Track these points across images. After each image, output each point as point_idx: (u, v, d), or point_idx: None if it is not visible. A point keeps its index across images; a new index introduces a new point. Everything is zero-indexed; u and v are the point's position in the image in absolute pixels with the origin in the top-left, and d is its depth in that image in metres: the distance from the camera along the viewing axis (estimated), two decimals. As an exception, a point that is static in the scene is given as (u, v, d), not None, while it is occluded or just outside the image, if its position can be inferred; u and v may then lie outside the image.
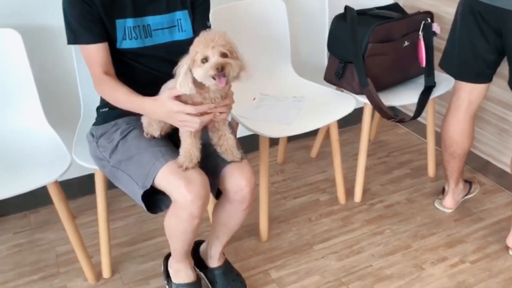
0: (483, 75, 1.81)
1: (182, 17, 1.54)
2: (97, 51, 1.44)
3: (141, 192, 1.38)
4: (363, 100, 1.99)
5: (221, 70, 1.21)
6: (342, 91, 2.10)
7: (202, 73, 1.22)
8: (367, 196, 2.22)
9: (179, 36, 1.55)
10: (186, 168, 1.33)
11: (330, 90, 2.08)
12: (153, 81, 1.48)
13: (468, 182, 2.18)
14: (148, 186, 1.37)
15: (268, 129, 1.78)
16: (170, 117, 1.32)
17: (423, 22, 2.01)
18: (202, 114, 1.29)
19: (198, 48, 1.23)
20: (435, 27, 2.04)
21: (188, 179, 1.32)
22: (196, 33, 1.58)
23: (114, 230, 2.03)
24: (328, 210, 2.15)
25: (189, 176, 1.33)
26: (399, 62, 2.02)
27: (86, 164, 1.59)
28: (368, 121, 2.06)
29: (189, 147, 1.33)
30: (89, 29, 1.40)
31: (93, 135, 1.57)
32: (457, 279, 1.79)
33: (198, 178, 1.34)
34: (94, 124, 1.59)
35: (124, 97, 1.40)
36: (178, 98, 1.29)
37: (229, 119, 1.45)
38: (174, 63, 1.54)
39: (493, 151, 2.30)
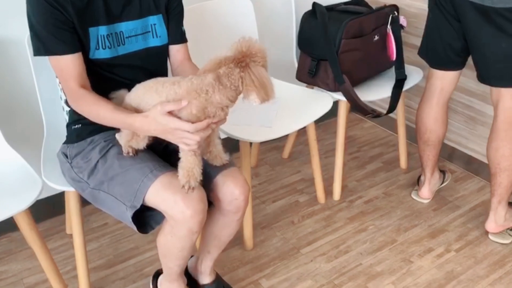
0: (452, 62, 1.84)
1: (156, 22, 1.44)
2: (72, 63, 1.30)
3: (130, 213, 1.28)
4: (338, 97, 1.97)
5: None
6: (313, 88, 2.07)
7: (259, 98, 1.20)
8: (345, 193, 2.21)
9: (153, 42, 1.44)
10: (191, 188, 1.23)
11: (304, 89, 2.04)
12: None
13: (442, 172, 2.22)
14: (138, 206, 1.27)
15: (250, 134, 1.71)
16: (166, 134, 1.21)
17: (390, 15, 2.01)
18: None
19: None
20: (402, 20, 2.05)
21: (184, 193, 1.23)
22: (171, 38, 1.49)
23: (88, 253, 1.88)
24: (310, 211, 2.11)
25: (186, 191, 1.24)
26: (370, 57, 2.01)
27: (59, 186, 1.46)
28: (343, 118, 2.04)
29: (192, 166, 1.23)
30: (62, 39, 1.26)
31: (66, 155, 1.43)
32: (446, 269, 1.80)
33: (195, 191, 1.25)
34: (66, 143, 1.46)
35: (108, 114, 1.27)
36: (171, 113, 1.19)
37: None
38: (150, 72, 1.44)
39: (460, 139, 2.35)
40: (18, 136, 1.73)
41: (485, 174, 2.27)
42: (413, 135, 2.14)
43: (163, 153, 1.40)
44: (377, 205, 2.14)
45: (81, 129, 1.43)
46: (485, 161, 2.26)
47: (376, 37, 2.00)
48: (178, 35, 1.49)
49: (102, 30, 1.34)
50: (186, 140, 1.19)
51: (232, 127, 1.74)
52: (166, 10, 1.45)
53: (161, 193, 1.24)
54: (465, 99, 2.26)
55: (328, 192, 2.19)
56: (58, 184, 1.46)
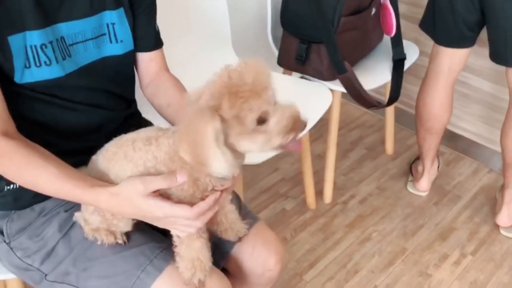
0: (464, 39, 1.55)
1: (115, 19, 0.96)
2: None
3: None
4: (334, 87, 1.61)
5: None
6: (291, 74, 1.68)
7: (264, 145, 0.71)
8: (335, 193, 1.90)
9: (111, 49, 0.97)
10: (201, 283, 0.83)
11: (290, 79, 1.65)
12: (87, 125, 0.92)
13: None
14: (135, 310, 0.85)
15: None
16: (149, 220, 0.81)
17: (387, -18, 1.65)
18: None
19: (237, 99, 0.69)
20: (398, -13, 1.70)
21: (205, 291, 0.83)
22: (140, 42, 1.01)
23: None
24: (301, 221, 1.79)
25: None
26: (367, 35, 1.66)
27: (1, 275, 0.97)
28: (338, 111, 1.70)
29: (196, 253, 0.82)
30: None
31: (1, 231, 0.94)
32: (468, 279, 1.59)
33: (219, 286, 0.85)
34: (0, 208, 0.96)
35: (51, 184, 0.81)
36: (156, 192, 0.77)
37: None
38: (114, 94, 0.98)
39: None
40: None
41: (476, 154, 2.08)
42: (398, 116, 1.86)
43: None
44: (374, 205, 1.87)
45: (19, 190, 0.94)
46: (478, 140, 2.07)
47: (374, 11, 1.64)
48: (150, 37, 1.03)
49: (33, 37, 0.85)
50: (183, 228, 0.79)
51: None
52: (129, 1, 0.97)
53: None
54: (461, 75, 2.00)
55: (316, 193, 1.87)
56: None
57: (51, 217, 0.91)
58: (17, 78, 0.86)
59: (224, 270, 1.00)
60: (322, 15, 1.49)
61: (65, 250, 0.89)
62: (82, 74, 0.94)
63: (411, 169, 1.98)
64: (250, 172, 1.99)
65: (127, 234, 0.88)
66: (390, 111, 2.01)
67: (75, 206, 0.89)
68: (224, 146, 0.71)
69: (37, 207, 0.92)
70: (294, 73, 1.73)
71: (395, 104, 1.90)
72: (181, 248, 0.82)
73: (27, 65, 0.86)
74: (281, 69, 1.70)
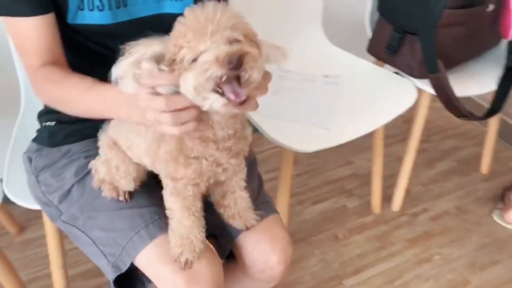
0: None
1: None
2: (37, 30, 0.84)
3: (112, 274, 0.85)
4: (422, 86, 1.43)
5: (235, 68, 0.61)
6: (383, 66, 1.52)
7: (198, 79, 0.62)
8: (407, 201, 1.73)
9: (171, 7, 0.94)
10: (188, 263, 0.79)
11: (376, 69, 1.50)
12: None
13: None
14: (123, 269, 0.84)
15: (298, 138, 1.22)
16: (137, 116, 0.73)
17: (516, -25, 1.40)
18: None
19: (184, 37, 0.64)
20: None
21: (190, 274, 0.79)
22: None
23: (70, 253, 1.50)
24: (360, 223, 1.66)
25: (192, 267, 0.80)
26: (476, 34, 1.43)
27: (25, 203, 1.02)
28: (424, 114, 1.52)
29: (188, 231, 0.78)
30: None
31: (30, 161, 0.98)
32: (535, 337, 1.36)
33: (206, 270, 0.80)
34: (35, 140, 1.01)
35: (79, 96, 0.81)
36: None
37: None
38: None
39: None
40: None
41: None
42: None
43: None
44: (447, 225, 1.67)
45: (55, 128, 0.97)
46: None
47: (491, 7, 1.41)
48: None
49: None
50: (154, 120, 0.67)
51: (269, 123, 1.25)
52: None
53: (156, 265, 0.81)
54: None
55: (385, 197, 1.71)
56: (23, 199, 1.02)
57: (72, 160, 0.93)
58: (70, 18, 0.88)
59: (232, 256, 0.95)
60: (423, 3, 1.32)
61: (78, 194, 0.90)
62: (133, 26, 0.92)
63: (503, 196, 1.72)
64: (320, 159, 1.89)
65: (132, 194, 0.86)
66: (493, 124, 1.75)
67: (95, 155, 0.90)
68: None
69: (64, 148, 0.95)
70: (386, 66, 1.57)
71: (503, 118, 1.66)
72: (172, 222, 0.78)
73: (81, 7, 0.87)
74: (373, 59, 1.55)
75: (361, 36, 1.60)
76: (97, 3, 0.87)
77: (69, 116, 0.86)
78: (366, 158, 1.87)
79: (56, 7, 0.86)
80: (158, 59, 0.65)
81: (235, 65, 0.61)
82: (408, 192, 1.73)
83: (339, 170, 1.85)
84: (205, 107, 0.65)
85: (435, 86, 1.37)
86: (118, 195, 0.85)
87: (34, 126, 1.02)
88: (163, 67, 0.65)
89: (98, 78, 0.93)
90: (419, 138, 1.57)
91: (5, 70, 1.23)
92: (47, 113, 0.99)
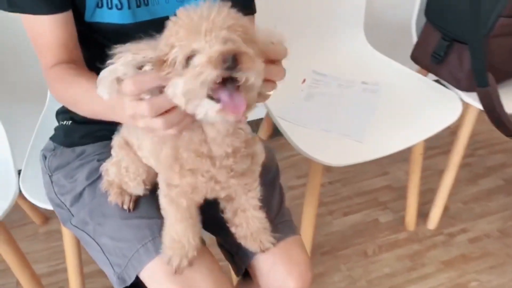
0: None
1: None
2: (53, 28, 0.81)
3: (118, 286, 0.82)
4: (469, 100, 1.32)
5: (230, 68, 0.54)
6: (426, 75, 1.41)
7: (190, 84, 0.55)
8: (444, 220, 1.62)
9: None
10: (179, 269, 0.74)
11: (420, 78, 1.40)
12: None
13: None
14: (129, 283, 0.81)
15: (328, 151, 1.15)
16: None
17: None
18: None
19: (176, 35, 0.57)
20: None
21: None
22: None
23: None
24: (391, 239, 1.57)
25: (195, 283, 0.75)
26: (534, 45, 1.31)
27: (41, 203, 1.00)
28: (469, 129, 1.40)
29: (180, 236, 0.73)
30: None
31: (45, 159, 0.96)
32: None
33: (209, 280, 0.75)
34: (52, 139, 0.98)
35: (84, 95, 0.76)
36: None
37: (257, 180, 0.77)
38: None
39: None
40: (10, 102, 1.27)
41: None
42: None
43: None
44: (487, 249, 1.55)
45: (71, 127, 0.94)
46: None
47: (553, 16, 1.27)
48: (240, 1, 0.91)
49: None
50: (149, 124, 0.61)
51: (298, 131, 1.18)
52: None
53: (160, 280, 0.76)
54: None
55: (421, 214, 1.61)
56: (39, 198, 1.00)
57: (85, 162, 0.89)
58: (87, 16, 0.84)
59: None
60: (475, 10, 1.20)
61: (89, 198, 0.87)
62: (155, 26, 0.87)
63: (553, 222, 1.59)
64: (354, 168, 1.80)
65: (137, 203, 0.82)
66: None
67: (108, 157, 0.86)
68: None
69: (78, 149, 0.92)
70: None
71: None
72: (165, 222, 0.74)
73: (100, 5, 0.83)
74: (416, 66, 1.45)
75: (405, 41, 1.49)
76: (115, 1, 0.83)
77: (83, 116, 0.82)
78: (404, 170, 1.77)
79: (74, 5, 0.82)
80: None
81: (230, 65, 0.54)
82: (446, 209, 1.62)
83: (374, 181, 1.76)
84: (199, 116, 0.58)
85: (484, 100, 1.25)
86: (123, 202, 0.81)
87: (55, 123, 1.00)
88: (147, 66, 0.59)
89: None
90: (463, 153, 1.46)
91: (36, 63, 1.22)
92: (63, 112, 0.97)
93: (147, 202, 0.83)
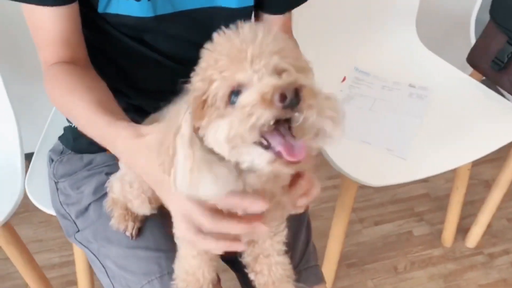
0: None
1: None
2: (54, 21, 0.70)
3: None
4: (532, 115, 1.16)
5: (291, 107, 0.43)
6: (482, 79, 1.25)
7: (236, 128, 0.44)
8: (486, 238, 1.48)
9: (225, 0, 0.75)
10: None
11: (476, 85, 1.24)
12: (163, 81, 0.72)
13: None
14: (133, 316, 0.71)
15: (363, 167, 1.02)
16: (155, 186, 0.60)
17: None
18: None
19: (215, 66, 0.46)
20: None
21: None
22: (265, 1, 0.79)
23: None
24: (425, 256, 1.44)
25: None
26: None
27: (48, 210, 0.91)
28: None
29: (194, 269, 0.64)
30: None
31: (51, 163, 0.87)
32: None
33: None
34: (61, 139, 0.89)
35: (84, 112, 0.66)
36: None
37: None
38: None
39: None
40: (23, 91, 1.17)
41: None
42: None
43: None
44: (532, 274, 1.41)
45: (79, 132, 0.84)
46: None
47: None
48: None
49: None
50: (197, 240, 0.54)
51: (333, 145, 1.05)
52: None
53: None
54: None
55: (460, 229, 1.47)
56: (46, 206, 0.91)
57: (93, 174, 0.80)
58: (101, 7, 0.73)
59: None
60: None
61: (95, 215, 0.78)
62: (178, 20, 0.76)
63: None
64: (390, 172, 1.66)
65: (144, 225, 0.73)
66: None
67: (115, 168, 0.76)
68: (201, 150, 0.47)
69: (87, 157, 0.82)
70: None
71: None
72: (179, 250, 0.64)
73: (115, -6, 0.72)
74: (469, 70, 1.29)
75: (461, 41, 1.33)
76: None
77: None
78: (445, 177, 1.62)
79: None
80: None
81: (291, 103, 0.43)
82: (489, 226, 1.48)
83: (411, 188, 1.62)
84: (244, 165, 0.48)
85: (550, 119, 1.10)
86: (125, 229, 0.71)
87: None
88: (187, 113, 0.48)
89: (132, 78, 0.79)
90: (515, 171, 1.31)
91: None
92: (69, 117, 0.87)
93: (154, 228, 0.73)
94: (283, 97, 0.42)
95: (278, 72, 0.46)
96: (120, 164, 0.73)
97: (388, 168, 1.03)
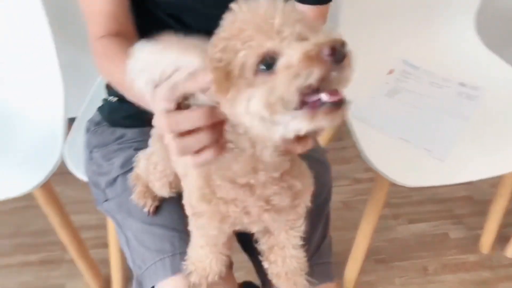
0: None
1: None
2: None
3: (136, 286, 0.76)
4: None
5: (340, 60, 0.42)
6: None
7: (280, 91, 0.42)
8: (526, 249, 1.41)
9: None
10: (195, 286, 0.67)
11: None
12: None
13: None
14: (145, 288, 0.74)
15: (398, 166, 0.99)
16: None
17: None
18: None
19: (239, 36, 0.44)
20: None
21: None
22: None
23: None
24: (459, 259, 1.39)
25: None
26: None
27: (82, 176, 0.95)
28: None
29: (203, 258, 0.66)
30: None
31: (87, 131, 0.90)
32: None
33: None
34: (99, 110, 0.92)
35: (119, 71, 0.65)
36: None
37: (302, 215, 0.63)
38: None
39: None
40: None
41: None
42: None
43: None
44: None
45: (116, 105, 0.86)
46: None
47: None
48: None
49: None
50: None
51: (372, 138, 1.02)
52: None
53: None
54: None
55: (500, 236, 1.41)
56: (80, 171, 0.95)
57: (123, 148, 0.82)
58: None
59: None
60: None
61: (121, 188, 0.80)
62: (223, 4, 0.75)
63: None
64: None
65: (161, 204, 0.75)
66: None
67: (145, 143, 0.78)
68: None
69: (119, 131, 0.85)
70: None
71: None
72: (191, 237, 0.66)
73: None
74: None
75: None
76: None
77: None
78: (491, 182, 1.53)
79: None
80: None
81: (340, 56, 0.42)
82: (532, 237, 1.41)
83: (453, 189, 1.56)
84: (274, 136, 0.45)
85: None
86: (144, 205, 0.73)
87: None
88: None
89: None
90: None
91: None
92: (109, 91, 0.89)
93: (173, 207, 0.75)
94: (333, 51, 0.41)
95: (302, 40, 0.44)
96: (150, 141, 0.75)
97: (423, 169, 0.99)
